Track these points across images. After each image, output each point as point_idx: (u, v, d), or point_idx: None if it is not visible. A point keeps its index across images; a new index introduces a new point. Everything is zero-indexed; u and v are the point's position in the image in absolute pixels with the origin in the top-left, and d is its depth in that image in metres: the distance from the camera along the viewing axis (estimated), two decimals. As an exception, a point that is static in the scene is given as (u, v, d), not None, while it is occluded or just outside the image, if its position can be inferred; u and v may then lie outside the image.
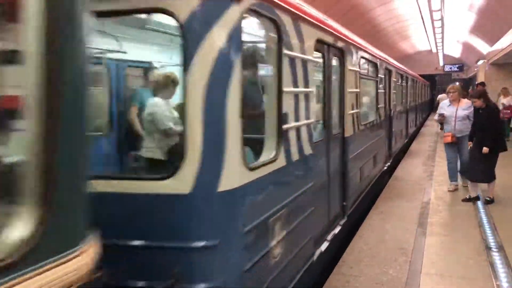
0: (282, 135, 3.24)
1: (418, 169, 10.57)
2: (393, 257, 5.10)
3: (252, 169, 2.80)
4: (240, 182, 2.64)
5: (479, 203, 7.19)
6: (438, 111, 8.37)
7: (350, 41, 5.93)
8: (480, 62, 22.00)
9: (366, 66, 7.61)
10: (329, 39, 4.85)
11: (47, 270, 1.34)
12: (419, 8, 17.78)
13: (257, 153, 3.21)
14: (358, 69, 6.43)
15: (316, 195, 4.29)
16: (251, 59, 3.99)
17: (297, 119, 3.63)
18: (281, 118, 3.22)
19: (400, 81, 12.47)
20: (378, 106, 8.36)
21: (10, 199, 1.34)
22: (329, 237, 4.87)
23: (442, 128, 11.92)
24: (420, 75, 23.88)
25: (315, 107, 4.56)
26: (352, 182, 5.96)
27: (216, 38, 2.48)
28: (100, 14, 2.56)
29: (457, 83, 11.47)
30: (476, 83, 18.28)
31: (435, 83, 36.69)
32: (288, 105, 3.38)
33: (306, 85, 3.95)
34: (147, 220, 2.51)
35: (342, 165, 5.58)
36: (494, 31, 17.17)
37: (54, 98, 1.36)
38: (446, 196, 7.81)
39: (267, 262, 3.06)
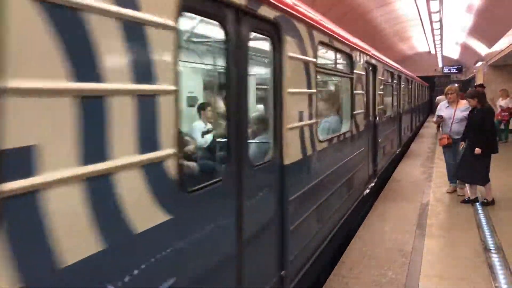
0: None
1: (417, 171, 10.57)
2: (392, 258, 5.10)
3: None
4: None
5: (478, 205, 7.20)
6: (437, 113, 8.34)
7: (292, 11, 3.68)
8: (479, 63, 22.03)
9: (330, 56, 5.78)
10: None
11: None
12: (418, 9, 17.81)
13: None
14: (312, 59, 4.21)
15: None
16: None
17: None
18: None
19: (390, 81, 10.99)
20: (355, 112, 6.39)
21: None
22: None
23: (439, 129, 12.02)
24: (419, 77, 23.89)
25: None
26: (298, 237, 3.84)
27: None
28: None
29: (456, 85, 11.23)
30: (475, 84, 18.30)
31: (434, 85, 36.74)
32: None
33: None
34: None
35: (279, 212, 3.50)
36: (493, 32, 17.19)
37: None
38: (445, 198, 7.82)
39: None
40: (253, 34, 3.07)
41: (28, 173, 1.41)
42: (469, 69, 30.56)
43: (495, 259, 5.04)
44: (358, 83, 6.61)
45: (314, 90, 4.27)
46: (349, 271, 4.78)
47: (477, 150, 6.92)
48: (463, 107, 7.69)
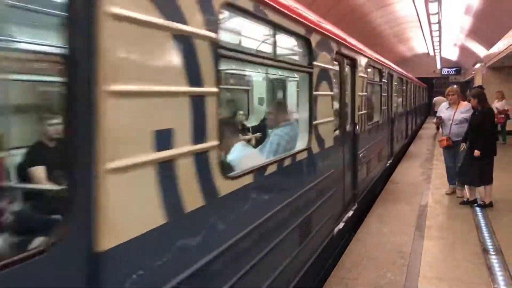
0: None
1: (416, 172, 10.58)
2: (391, 260, 5.10)
3: None
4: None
5: (477, 207, 7.20)
6: (437, 114, 8.29)
7: None
8: (477, 65, 22.08)
9: (261, 35, 4.77)
10: None
11: None
12: (417, 11, 17.85)
13: None
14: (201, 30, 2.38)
15: None
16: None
17: None
18: None
19: (378, 79, 9.07)
20: (316, 122, 4.38)
21: None
22: None
23: (438, 129, 11.84)
24: (418, 78, 23.91)
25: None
26: None
27: None
28: None
29: (455, 86, 10.65)
30: (474, 86, 18.33)
31: (433, 86, 36.81)
32: None
33: None
34: None
35: None
36: (491, 34, 17.24)
37: None
38: (444, 199, 7.83)
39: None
40: None
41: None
42: (467, 71, 30.63)
43: (494, 260, 5.04)
44: (322, 81, 4.52)
45: (214, 89, 2.46)
46: (348, 272, 4.78)
47: (476, 153, 6.93)
48: (463, 109, 7.65)
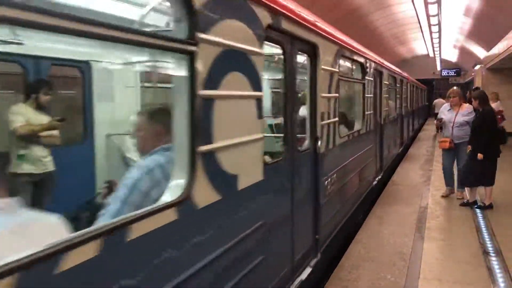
0: None
1: (416, 174, 10.58)
2: (391, 261, 5.10)
3: None
4: None
5: (476, 208, 7.20)
6: (438, 115, 8.20)
7: None
8: (477, 66, 22.10)
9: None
10: None
11: None
12: (417, 13, 17.87)
13: None
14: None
15: None
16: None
17: None
18: None
19: (361, 76, 7.15)
20: (208, 147, 2.38)
21: None
22: None
23: (438, 131, 11.44)
24: (418, 80, 23.91)
25: None
26: None
27: None
28: None
29: (455, 87, 10.23)
30: (473, 87, 18.35)
31: (433, 88, 36.84)
32: None
33: None
34: None
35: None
36: (491, 36, 17.26)
37: None
38: (444, 201, 7.82)
39: None
40: None
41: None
42: (467, 72, 30.66)
43: (494, 262, 5.04)
44: (227, 71, 2.61)
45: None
46: (348, 274, 4.78)
47: (480, 156, 6.90)
48: (465, 111, 7.55)
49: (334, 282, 4.61)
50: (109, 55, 5.07)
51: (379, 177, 8.87)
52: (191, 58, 2.19)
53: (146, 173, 2.35)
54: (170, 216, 2.04)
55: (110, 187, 2.97)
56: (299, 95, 4.72)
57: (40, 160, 4.79)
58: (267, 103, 7.35)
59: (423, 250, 5.45)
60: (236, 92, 2.69)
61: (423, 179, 9.88)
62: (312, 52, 4.35)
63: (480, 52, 22.12)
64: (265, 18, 3.09)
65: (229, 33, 2.54)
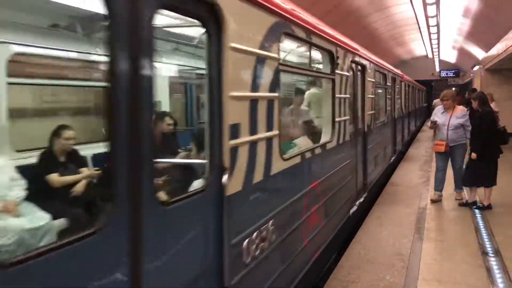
0: None
1: (415, 175, 10.59)
2: (390, 262, 5.10)
3: None
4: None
5: (475, 209, 7.21)
6: (432, 118, 8.01)
7: None
8: (476, 67, 22.13)
9: None
10: None
11: None
12: (415, 14, 17.90)
13: None
14: None
15: None
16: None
17: None
18: None
19: (340, 70, 5.60)
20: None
21: None
22: None
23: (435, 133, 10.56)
24: (417, 81, 23.92)
25: None
26: None
27: None
28: None
29: (453, 89, 9.70)
30: (471, 88, 18.39)
31: (432, 89, 36.87)
32: None
33: None
34: None
35: None
36: (489, 37, 17.28)
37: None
38: (443, 202, 7.82)
39: None
40: None
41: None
42: (466, 73, 30.68)
43: (493, 262, 5.04)
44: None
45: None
46: (347, 275, 4.78)
47: (473, 155, 7.01)
48: (459, 114, 7.43)
49: (333, 283, 4.61)
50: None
51: (361, 199, 7.12)
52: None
53: None
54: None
55: None
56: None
57: None
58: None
59: (422, 250, 5.46)
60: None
61: (422, 179, 9.88)
62: (212, 19, 2.61)
63: (479, 53, 22.15)
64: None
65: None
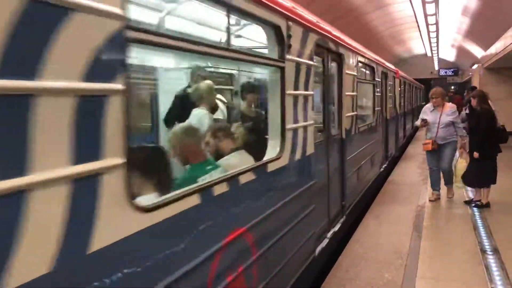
0: None
1: (413, 173, 10.60)
2: (389, 260, 5.10)
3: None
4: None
5: (474, 207, 7.21)
6: (420, 116, 7.82)
7: None
8: (475, 66, 22.14)
9: None
10: None
11: None
12: (414, 12, 17.89)
13: None
14: None
15: None
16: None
17: None
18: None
19: (301, 56, 4.16)
20: None
21: None
22: None
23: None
24: (415, 79, 23.91)
25: None
26: None
27: None
28: None
29: (452, 87, 9.43)
30: (470, 87, 18.39)
31: (431, 87, 36.93)
32: None
33: None
34: None
35: None
36: (488, 35, 17.28)
37: None
38: (441, 200, 7.82)
39: None
40: None
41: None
42: (465, 72, 30.71)
43: (491, 260, 5.05)
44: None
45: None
46: (345, 273, 4.78)
47: (475, 154, 6.97)
48: (448, 111, 7.38)
49: (331, 281, 4.61)
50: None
51: (336, 227, 5.57)
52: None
53: None
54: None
55: None
56: None
57: None
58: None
59: (421, 249, 5.46)
60: None
61: (421, 178, 9.89)
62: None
63: (477, 51, 22.15)
64: None
65: None
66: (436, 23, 17.79)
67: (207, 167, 3.17)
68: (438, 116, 7.35)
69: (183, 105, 4.65)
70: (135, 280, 1.85)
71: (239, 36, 4.55)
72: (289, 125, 3.78)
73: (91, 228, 1.63)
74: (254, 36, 4.47)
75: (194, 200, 2.34)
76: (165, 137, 4.50)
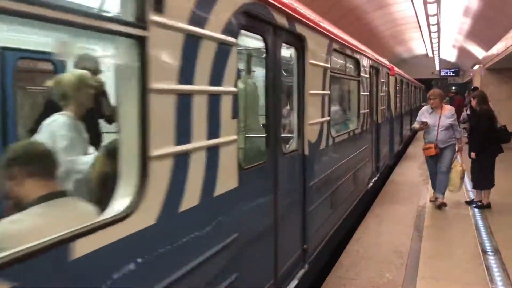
0: None
1: (414, 173, 10.59)
2: (390, 260, 5.10)
3: None
4: None
5: (475, 208, 7.21)
6: (418, 118, 7.51)
7: None
8: (476, 66, 22.11)
9: None
10: None
11: None
12: (416, 12, 17.87)
13: None
14: None
15: None
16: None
17: None
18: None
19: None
20: None
21: None
22: None
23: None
24: (416, 79, 23.89)
25: None
26: None
27: None
28: None
29: (453, 88, 9.25)
30: (472, 87, 18.39)
31: (432, 88, 36.90)
32: None
33: None
34: None
35: None
36: (490, 36, 17.27)
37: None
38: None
39: None
40: None
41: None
42: (466, 72, 30.67)
43: (492, 261, 5.04)
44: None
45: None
46: (346, 272, 4.78)
47: (472, 155, 7.04)
48: (448, 113, 7.14)
49: (332, 280, 4.60)
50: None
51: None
52: None
53: None
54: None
55: None
56: None
57: None
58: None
59: (421, 249, 5.46)
60: None
61: (422, 178, 9.88)
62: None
63: (479, 52, 22.13)
64: None
65: None
66: (438, 24, 17.77)
67: None
68: (438, 119, 7.10)
69: (47, 108, 3.25)
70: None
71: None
72: (157, 152, 1.98)
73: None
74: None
75: None
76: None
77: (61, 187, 2.17)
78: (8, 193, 2.08)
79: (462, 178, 7.17)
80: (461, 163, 7.16)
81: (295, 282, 3.87)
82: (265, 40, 3.42)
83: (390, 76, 11.01)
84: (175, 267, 2.15)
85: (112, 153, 2.14)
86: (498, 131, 7.10)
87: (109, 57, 3.23)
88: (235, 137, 2.74)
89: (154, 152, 1.95)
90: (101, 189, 2.29)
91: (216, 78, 2.54)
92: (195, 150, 2.32)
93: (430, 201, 7.70)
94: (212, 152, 2.49)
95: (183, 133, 2.20)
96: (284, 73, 3.96)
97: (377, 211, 7.21)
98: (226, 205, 2.67)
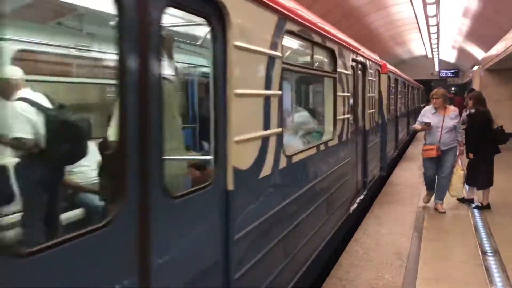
0: None
1: (414, 174, 10.57)
2: (389, 261, 5.11)
3: None
4: None
5: (474, 208, 7.22)
6: (419, 118, 7.24)
7: None
8: (475, 67, 22.13)
9: None
10: None
11: None
12: (415, 13, 17.89)
13: None
14: None
15: None
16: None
17: None
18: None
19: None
20: None
21: None
22: None
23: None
24: (416, 80, 23.90)
25: None
26: None
27: None
28: None
29: (453, 89, 9.16)
30: (469, 89, 18.40)
31: (431, 88, 36.86)
32: None
33: None
34: None
35: None
36: (489, 37, 17.29)
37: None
38: (442, 201, 7.81)
39: None
40: None
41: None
42: (465, 73, 30.69)
43: (492, 262, 5.05)
44: None
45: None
46: (346, 273, 4.78)
47: (470, 155, 7.09)
48: (452, 114, 6.89)
49: (332, 281, 4.61)
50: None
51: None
52: None
53: None
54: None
55: None
56: None
57: None
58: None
59: (421, 249, 5.46)
60: None
61: (421, 179, 9.82)
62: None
63: (478, 53, 22.16)
64: None
65: None
66: (437, 25, 17.78)
67: None
68: (441, 120, 6.83)
69: None
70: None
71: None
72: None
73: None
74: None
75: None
76: None
77: None
78: None
79: (463, 182, 7.16)
80: (462, 167, 7.11)
81: None
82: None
83: (381, 74, 9.54)
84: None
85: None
86: (494, 131, 7.08)
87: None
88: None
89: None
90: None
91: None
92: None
93: (424, 203, 7.48)
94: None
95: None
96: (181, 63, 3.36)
97: (377, 212, 7.22)
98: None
